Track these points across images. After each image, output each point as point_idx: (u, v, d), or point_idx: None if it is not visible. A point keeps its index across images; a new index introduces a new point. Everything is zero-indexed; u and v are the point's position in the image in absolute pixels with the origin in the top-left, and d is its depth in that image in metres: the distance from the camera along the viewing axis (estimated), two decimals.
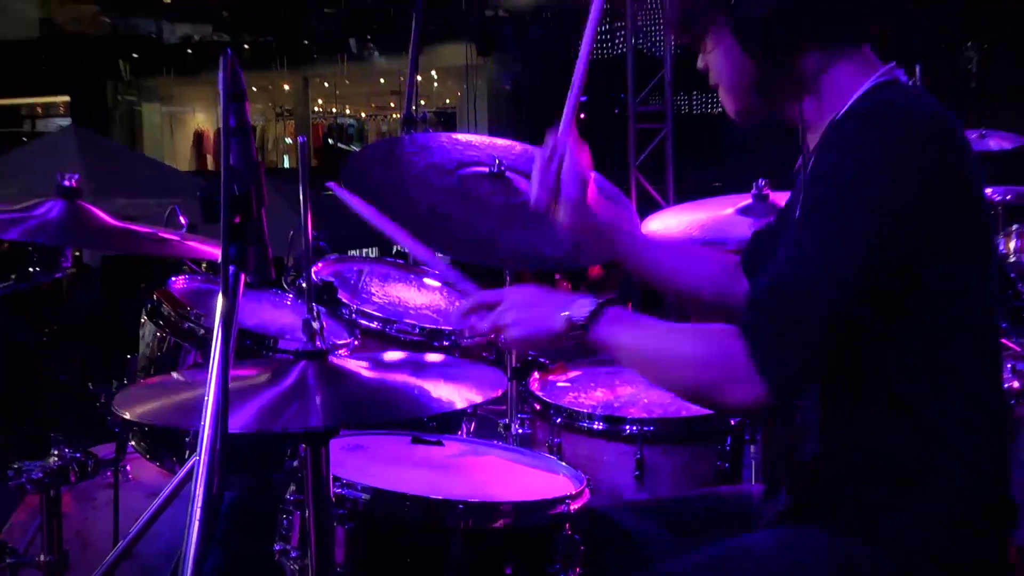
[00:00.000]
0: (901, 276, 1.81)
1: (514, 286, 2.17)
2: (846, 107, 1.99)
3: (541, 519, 2.17)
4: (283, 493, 2.29)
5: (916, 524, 1.89)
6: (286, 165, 28.98)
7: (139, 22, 29.98)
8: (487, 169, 3.02)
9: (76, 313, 12.20)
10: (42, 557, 2.36)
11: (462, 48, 25.83)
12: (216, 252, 2.44)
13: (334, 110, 30.69)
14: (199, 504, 1.30)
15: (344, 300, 2.94)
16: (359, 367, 1.87)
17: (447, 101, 29.33)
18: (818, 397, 1.97)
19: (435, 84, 29.01)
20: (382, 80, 29.25)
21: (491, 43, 25.21)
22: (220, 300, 1.41)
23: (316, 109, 29.93)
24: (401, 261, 3.46)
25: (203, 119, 30.18)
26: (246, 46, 28.41)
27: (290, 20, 28.06)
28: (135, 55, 29.21)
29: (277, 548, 2.16)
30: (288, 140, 29.57)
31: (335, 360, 1.84)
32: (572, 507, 2.19)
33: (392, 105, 29.91)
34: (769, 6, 1.94)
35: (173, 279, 2.73)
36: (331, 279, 3.00)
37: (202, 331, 2.50)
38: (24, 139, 25.95)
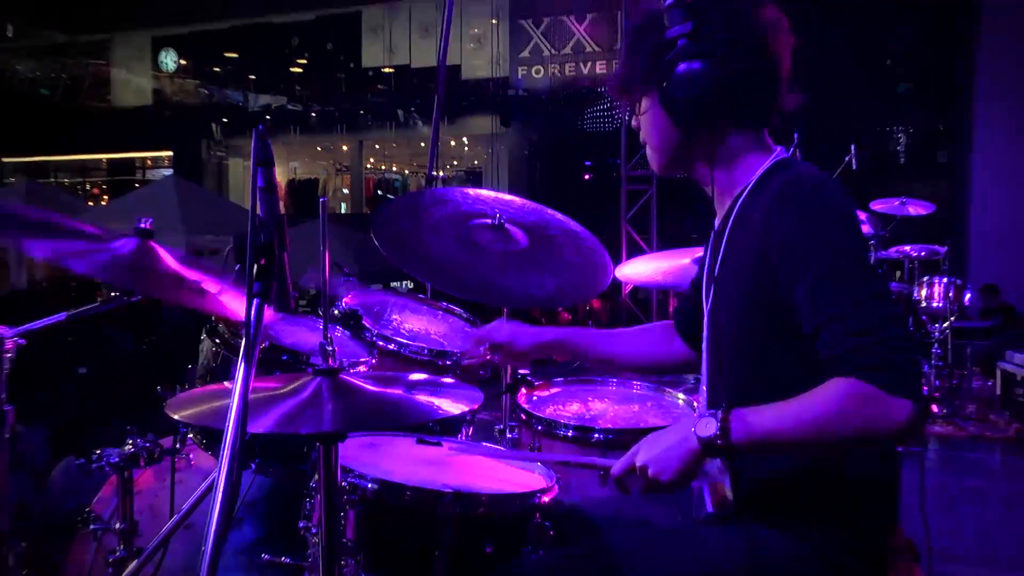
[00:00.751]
0: None
1: (643, 439, 1.97)
2: (753, 181, 2.03)
3: (516, 508, 2.17)
4: (308, 480, 2.29)
5: (824, 514, 1.91)
6: (343, 211, 29.06)
7: (229, 93, 30.28)
8: (490, 221, 3.01)
9: (168, 327, 12.25)
10: (118, 525, 2.36)
11: (488, 120, 25.92)
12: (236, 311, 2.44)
13: (383, 167, 30.77)
14: (220, 489, 1.30)
15: (367, 325, 2.94)
16: (365, 383, 1.86)
17: (475, 162, 29.33)
18: None
19: (466, 148, 29.03)
20: (422, 144, 29.18)
21: (511, 116, 25.33)
22: (245, 329, 1.41)
23: (368, 166, 29.99)
24: (422, 296, 3.45)
25: (278, 172, 30.16)
26: (313, 115, 28.50)
27: (349, 95, 28.22)
28: (225, 120, 29.39)
29: (302, 525, 2.17)
30: (345, 191, 29.66)
31: (345, 377, 1.83)
32: (543, 499, 2.20)
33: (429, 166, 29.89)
34: (693, 91, 1.96)
35: None
36: (357, 307, 2.99)
37: None
38: (136, 185, 26.35)
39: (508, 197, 3.28)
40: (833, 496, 1.94)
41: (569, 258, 3.10)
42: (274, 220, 1.48)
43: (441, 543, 2.09)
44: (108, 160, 31.78)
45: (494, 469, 2.45)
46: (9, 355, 2.35)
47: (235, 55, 29.74)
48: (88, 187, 31.62)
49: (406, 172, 31.20)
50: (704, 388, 2.18)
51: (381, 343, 2.90)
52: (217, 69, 30.17)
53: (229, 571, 2.66)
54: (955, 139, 15.66)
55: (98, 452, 2.33)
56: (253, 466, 2.62)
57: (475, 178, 28.95)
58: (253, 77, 29.66)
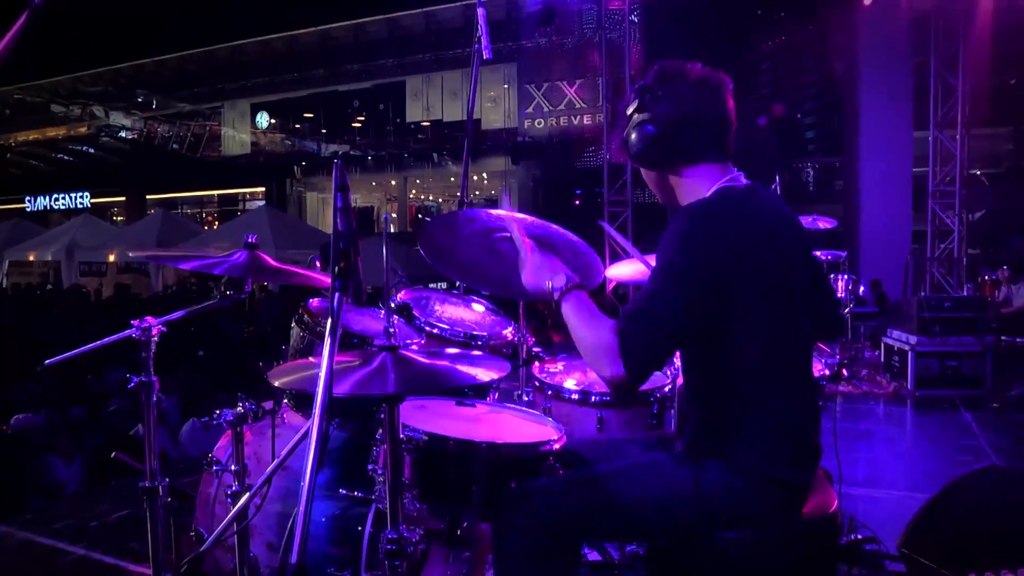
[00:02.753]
0: (713, 316, 1.82)
1: (539, 252, 2.14)
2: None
3: (533, 453, 2.14)
4: (375, 434, 2.27)
5: (748, 453, 1.90)
6: (392, 230, 29.10)
7: (307, 144, 30.56)
8: (508, 234, 2.97)
9: (262, 319, 12.34)
10: (233, 467, 2.35)
11: (502, 160, 26.08)
12: (326, 282, 2.45)
13: (422, 197, 30.80)
14: (314, 438, 1.28)
15: (416, 315, 2.91)
16: (418, 356, 1.84)
17: (492, 192, 29.37)
18: (691, 386, 2.02)
19: (485, 181, 29.13)
20: (452, 179, 29.41)
21: (520, 157, 25.41)
22: (330, 314, 1.40)
23: (411, 196, 30.06)
24: (456, 291, 3.41)
25: None
26: (370, 158, 28.68)
27: (396, 143, 28.36)
28: (303, 163, 29.66)
29: (370, 468, 2.15)
30: (394, 215, 29.81)
31: (403, 352, 1.81)
32: (555, 446, 2.17)
33: (458, 194, 29.93)
34: (639, 147, 2.03)
35: (311, 299, 2.71)
36: (408, 301, 2.97)
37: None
38: (239, 213, 26.57)
39: (521, 215, 3.24)
40: (761, 438, 1.91)
41: (569, 261, 3.07)
42: (349, 233, 1.47)
43: (477, 480, 2.08)
44: (219, 195, 32.24)
45: (517, 424, 2.42)
46: (155, 339, 2.35)
47: (311, 115, 30.10)
48: (204, 215, 31.96)
49: (440, 200, 31.23)
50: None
51: (428, 328, 2.87)
52: (298, 126, 30.53)
53: (315, 502, 2.65)
54: (847, 173, 15.67)
55: (217, 412, 2.32)
56: (336, 423, 2.61)
57: (492, 204, 28.99)
58: (324, 131, 29.95)
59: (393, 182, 29.68)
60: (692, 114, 2.01)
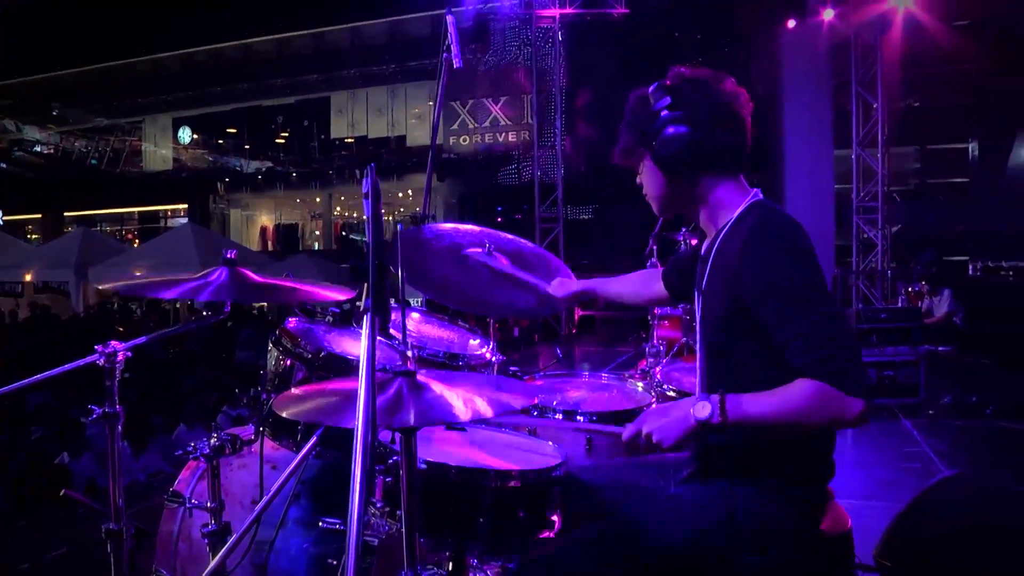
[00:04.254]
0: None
1: (648, 410, 1.93)
2: (733, 218, 1.96)
3: (541, 480, 2.02)
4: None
5: (777, 472, 1.87)
6: (316, 248, 28.59)
7: (229, 160, 29.81)
8: (481, 250, 2.85)
9: (190, 341, 11.91)
10: (209, 504, 2.15)
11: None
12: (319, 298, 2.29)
13: (347, 214, 30.36)
14: (358, 477, 1.14)
15: (394, 333, 2.76)
16: (437, 382, 1.69)
17: (416, 208, 29.05)
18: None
19: (411, 198, 28.92)
20: None
21: (446, 173, 25.35)
22: (364, 335, 1.25)
23: (336, 213, 29.62)
24: (425, 309, 3.27)
25: (266, 219, 29.85)
26: (294, 174, 28.20)
27: (321, 159, 27.96)
28: (227, 179, 28.94)
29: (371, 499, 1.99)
30: (317, 232, 29.28)
31: (420, 378, 1.67)
32: (559, 473, 2.06)
33: (383, 211, 29.63)
34: (674, 149, 1.92)
35: (288, 320, 2.53)
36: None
37: (308, 355, 2.32)
38: (161, 231, 25.86)
39: (491, 231, 3.12)
40: (787, 457, 1.87)
41: (544, 275, 2.97)
42: (379, 245, 1.32)
43: (484, 511, 1.95)
44: (139, 212, 31.13)
45: (515, 448, 2.30)
46: (120, 366, 2.14)
47: (234, 130, 29.39)
48: (124, 233, 30.78)
49: (364, 217, 30.82)
50: (698, 375, 2.09)
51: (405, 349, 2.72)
52: (221, 141, 29.76)
53: (292, 537, 2.46)
54: (771, 190, 16.10)
55: (193, 445, 2.13)
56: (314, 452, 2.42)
57: (417, 221, 28.70)
58: (248, 147, 29.30)
59: (318, 199, 29.20)
60: (727, 121, 1.96)
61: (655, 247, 5.98)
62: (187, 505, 2.42)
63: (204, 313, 2.29)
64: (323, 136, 27.81)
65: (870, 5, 11.68)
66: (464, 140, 25.02)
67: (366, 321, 1.27)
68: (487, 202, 24.78)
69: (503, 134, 24.35)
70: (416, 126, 26.81)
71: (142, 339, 2.21)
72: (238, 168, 29.64)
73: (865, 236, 12.19)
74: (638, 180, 2.14)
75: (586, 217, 21.42)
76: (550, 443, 2.29)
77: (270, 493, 1.92)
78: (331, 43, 26.91)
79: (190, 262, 13.98)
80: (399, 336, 2.73)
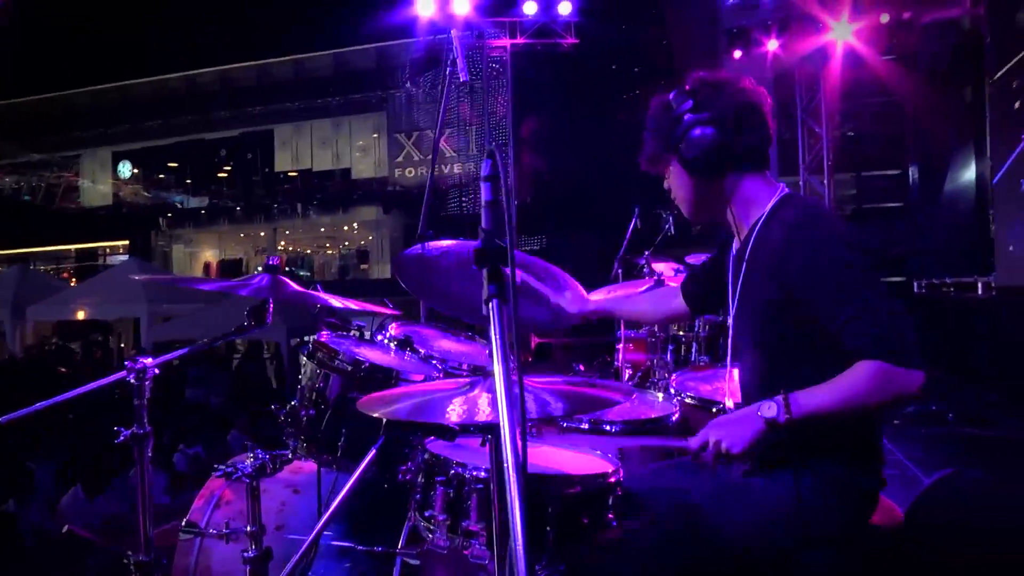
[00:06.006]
0: None
1: (712, 420, 1.93)
2: (766, 213, 1.99)
3: (600, 485, 1.97)
4: (399, 475, 2.03)
5: (838, 463, 1.88)
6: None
7: (171, 195, 29.08)
8: None
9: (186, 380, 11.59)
10: (248, 528, 2.03)
11: (373, 209, 25.83)
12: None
13: (291, 248, 29.92)
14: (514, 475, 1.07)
15: (419, 348, 2.68)
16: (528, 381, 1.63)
17: (362, 242, 28.86)
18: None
19: (356, 231, 28.63)
20: (322, 229, 28.78)
21: (391, 206, 25.21)
22: (492, 324, 1.18)
23: (280, 247, 29.17)
24: (443, 323, 3.20)
25: (210, 255, 29.22)
26: (238, 208, 27.69)
27: (265, 194, 27.50)
28: (169, 215, 28.21)
29: (428, 513, 1.90)
30: (260, 268, 28.69)
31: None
32: (616, 478, 2.00)
33: (327, 245, 29.43)
34: (700, 150, 1.95)
35: (320, 333, 2.44)
36: (409, 335, 2.74)
37: (348, 366, 2.23)
38: (99, 269, 24.94)
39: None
40: (843, 447, 1.90)
41: (555, 290, 2.93)
42: (498, 229, 1.25)
43: (550, 520, 1.87)
44: (76, 250, 30.05)
45: (564, 456, 2.23)
46: (149, 384, 2.02)
47: (176, 164, 28.71)
48: (59, 272, 29.65)
49: (308, 251, 30.39)
50: (729, 367, 2.17)
51: (434, 361, 2.65)
52: (162, 176, 29.02)
53: (326, 559, 2.35)
54: None
55: (233, 466, 2.01)
56: (335, 467, 2.32)
57: (363, 256, 28.55)
58: (190, 181, 28.69)
59: (262, 233, 28.69)
60: (750, 119, 1.99)
61: (620, 271, 6.01)
62: (205, 535, 2.30)
63: (244, 323, 2.18)
64: (267, 169, 27.40)
65: (811, 37, 12.06)
66: (410, 172, 24.94)
67: (493, 309, 1.20)
68: (435, 234, 24.61)
69: (448, 166, 24.38)
70: (361, 159, 26.66)
71: (173, 354, 2.09)
72: (179, 203, 28.99)
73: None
74: (665, 185, 2.18)
75: (536, 248, 21.51)
76: (597, 451, 2.23)
77: (328, 511, 1.81)
78: (275, 75, 26.61)
79: (135, 299, 13.58)
80: (422, 351, 2.68)
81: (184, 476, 6.96)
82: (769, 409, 1.77)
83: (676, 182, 2.09)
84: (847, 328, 1.75)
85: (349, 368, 2.22)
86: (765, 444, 1.82)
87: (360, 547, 2.20)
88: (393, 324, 2.87)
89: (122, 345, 14.64)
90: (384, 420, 1.85)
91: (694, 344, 5.62)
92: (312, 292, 2.26)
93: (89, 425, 7.83)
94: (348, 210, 26.78)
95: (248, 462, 2.05)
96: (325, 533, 2.43)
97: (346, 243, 29.21)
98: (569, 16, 13.94)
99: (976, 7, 8.95)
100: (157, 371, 2.02)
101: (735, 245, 2.13)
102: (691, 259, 9.10)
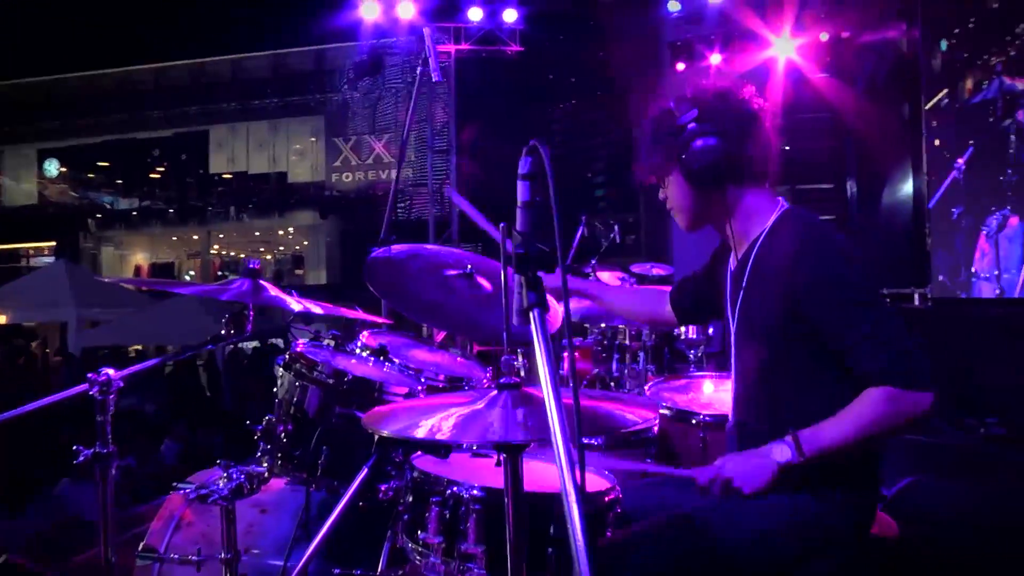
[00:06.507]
0: None
1: (725, 457, 1.90)
2: (768, 228, 1.96)
3: (602, 503, 1.90)
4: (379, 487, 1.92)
5: (836, 477, 1.84)
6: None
7: (101, 196, 28.04)
8: (460, 271, 2.71)
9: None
10: (222, 555, 1.88)
11: (310, 214, 25.57)
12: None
13: (224, 252, 29.25)
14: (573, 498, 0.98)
15: (395, 359, 2.56)
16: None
17: (297, 248, 28.41)
18: (777, 412, 1.91)
19: (291, 236, 28.18)
20: (257, 233, 28.25)
21: (328, 211, 24.90)
22: (535, 333, 1.09)
23: (213, 251, 28.50)
24: (413, 333, 3.08)
25: (141, 258, 28.37)
26: (171, 211, 26.97)
27: (199, 195, 26.83)
28: (98, 216, 27.30)
29: (422, 536, 1.79)
30: (192, 273, 27.99)
31: (528, 390, 1.50)
32: (612, 496, 1.93)
33: (262, 249, 28.90)
34: (705, 161, 1.91)
35: (295, 343, 2.29)
36: (383, 344, 2.61)
37: (330, 379, 2.10)
38: (22, 272, 23.81)
39: (466, 252, 2.99)
40: (839, 469, 1.86)
41: None
42: (535, 231, 1.16)
43: (552, 540, 1.78)
44: None
45: (553, 473, 2.14)
46: (113, 399, 1.86)
47: (106, 164, 27.78)
48: None
49: (243, 256, 29.79)
50: (733, 384, 2.07)
51: (412, 372, 2.53)
52: (91, 175, 28.01)
53: None
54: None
55: (208, 488, 1.86)
56: (314, 486, 2.19)
57: (298, 261, 28.13)
58: (120, 182, 27.80)
59: (195, 236, 27.98)
60: (754, 131, 1.96)
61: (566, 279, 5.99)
62: (165, 560, 2.14)
63: (222, 332, 2.03)
64: (201, 171, 26.75)
65: (754, 53, 12.27)
66: (347, 177, 24.72)
67: (535, 318, 1.11)
68: (372, 240, 24.39)
69: (386, 171, 24.20)
70: (298, 163, 26.27)
71: (139, 366, 1.93)
72: (109, 204, 28.07)
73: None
74: (661, 195, 2.12)
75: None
76: (590, 467, 2.15)
77: (319, 535, 1.68)
78: (211, 74, 25.98)
79: (63, 302, 13.07)
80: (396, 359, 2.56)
81: (116, 488, 6.65)
82: (782, 453, 1.78)
83: (676, 192, 2.04)
84: (854, 351, 1.74)
85: (331, 381, 2.09)
86: (777, 485, 1.81)
87: (337, 570, 2.06)
88: (365, 333, 2.75)
89: (47, 351, 14.02)
90: (376, 436, 1.73)
91: (641, 354, 5.61)
92: (285, 298, 2.13)
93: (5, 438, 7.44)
94: (284, 214, 26.42)
95: (222, 483, 1.90)
96: (296, 554, 2.30)
97: (281, 248, 28.77)
98: (515, 24, 13.90)
99: (912, 31, 9.22)
100: (122, 384, 1.86)
101: (732, 260, 2.09)
102: (636, 268, 9.17)
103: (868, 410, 1.72)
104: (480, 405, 1.44)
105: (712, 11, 12.69)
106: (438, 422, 1.39)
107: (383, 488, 2.01)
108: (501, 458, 1.43)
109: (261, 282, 2.00)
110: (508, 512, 1.43)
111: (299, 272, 27.37)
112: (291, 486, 2.44)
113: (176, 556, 2.12)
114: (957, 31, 8.01)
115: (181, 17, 23.15)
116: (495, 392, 1.48)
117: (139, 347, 15.32)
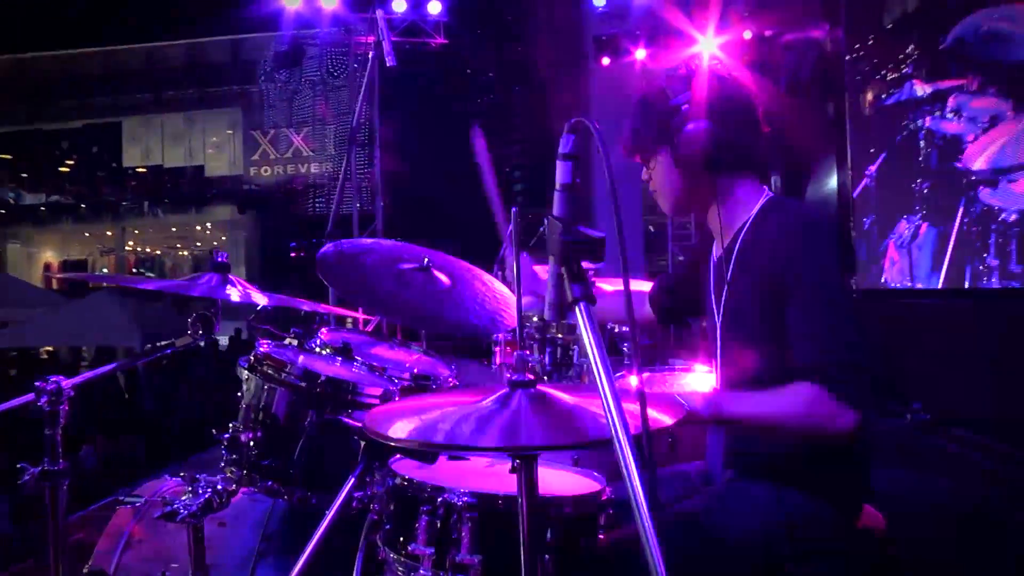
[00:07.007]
0: None
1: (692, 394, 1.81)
2: (753, 216, 1.91)
3: (593, 505, 1.78)
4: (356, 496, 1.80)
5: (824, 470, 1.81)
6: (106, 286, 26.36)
7: (4, 190, 26.81)
8: (415, 264, 2.60)
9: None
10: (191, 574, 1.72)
11: (228, 208, 25.05)
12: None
13: (140, 248, 28.25)
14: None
15: (358, 357, 2.42)
16: (561, 394, 1.42)
17: (215, 243, 27.63)
18: None
19: (209, 231, 27.43)
20: (173, 229, 27.40)
21: (246, 205, 24.38)
22: (583, 326, 0.99)
23: (128, 248, 27.49)
24: (368, 331, 2.94)
25: (51, 255, 27.19)
26: (82, 206, 25.91)
27: (113, 190, 25.86)
28: (2, 211, 26.11)
29: (412, 547, 1.66)
30: (106, 270, 27.00)
31: (543, 388, 1.39)
32: (605, 497, 1.83)
33: (178, 245, 28.07)
34: (698, 146, 1.84)
35: (259, 344, 2.13)
36: (346, 342, 2.47)
37: (302, 381, 1.95)
38: None
39: (419, 248, 2.86)
40: (835, 463, 1.83)
41: (483, 291, 2.76)
42: (571, 216, 1.06)
43: (547, 546, 1.68)
44: None
45: (556, 476, 2.04)
46: (64, 409, 1.68)
47: (8, 156, 26.49)
48: None
49: (158, 252, 28.82)
50: (718, 375, 2.02)
51: (377, 371, 2.39)
52: None
53: None
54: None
55: (173, 505, 1.69)
56: (285, 497, 2.03)
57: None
58: (26, 175, 26.52)
59: (109, 232, 26.93)
60: (746, 118, 1.91)
61: (500, 272, 5.92)
62: None
63: (188, 332, 1.86)
64: (114, 164, 25.77)
65: (679, 49, 12.39)
66: (266, 171, 24.27)
67: (581, 311, 1.00)
68: (292, 235, 23.99)
69: (306, 165, 23.80)
70: (215, 156, 25.59)
71: (91, 373, 1.75)
72: (12, 199, 26.76)
73: (680, 261, 12.88)
74: (644, 175, 2.05)
75: None
76: (573, 469, 2.06)
77: (308, 550, 1.54)
78: (123, 63, 25.00)
79: None
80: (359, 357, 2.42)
81: (31, 500, 6.28)
82: (697, 401, 1.72)
83: (662, 176, 1.97)
84: (802, 344, 1.71)
85: (303, 383, 1.94)
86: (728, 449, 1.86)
87: None
88: (323, 330, 2.60)
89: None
90: (363, 443, 1.60)
91: (574, 347, 5.57)
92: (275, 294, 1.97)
93: None
94: (201, 209, 25.82)
95: (185, 497, 1.73)
96: (260, 570, 2.15)
97: (199, 243, 28.00)
98: (439, 16, 13.72)
99: (835, 31, 9.44)
100: (72, 393, 1.68)
101: (716, 250, 2.04)
102: None
103: (790, 400, 1.67)
104: (491, 405, 1.33)
105: (638, 7, 12.78)
106: (453, 425, 1.27)
107: (356, 496, 1.87)
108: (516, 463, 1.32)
109: (232, 278, 1.83)
110: (523, 519, 1.32)
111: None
112: (249, 496, 2.28)
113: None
114: (872, 37, 8.23)
115: (91, 1, 22.12)
116: (507, 391, 1.36)
117: (50, 348, 14.64)
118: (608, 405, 0.97)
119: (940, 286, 6.86)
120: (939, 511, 3.10)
